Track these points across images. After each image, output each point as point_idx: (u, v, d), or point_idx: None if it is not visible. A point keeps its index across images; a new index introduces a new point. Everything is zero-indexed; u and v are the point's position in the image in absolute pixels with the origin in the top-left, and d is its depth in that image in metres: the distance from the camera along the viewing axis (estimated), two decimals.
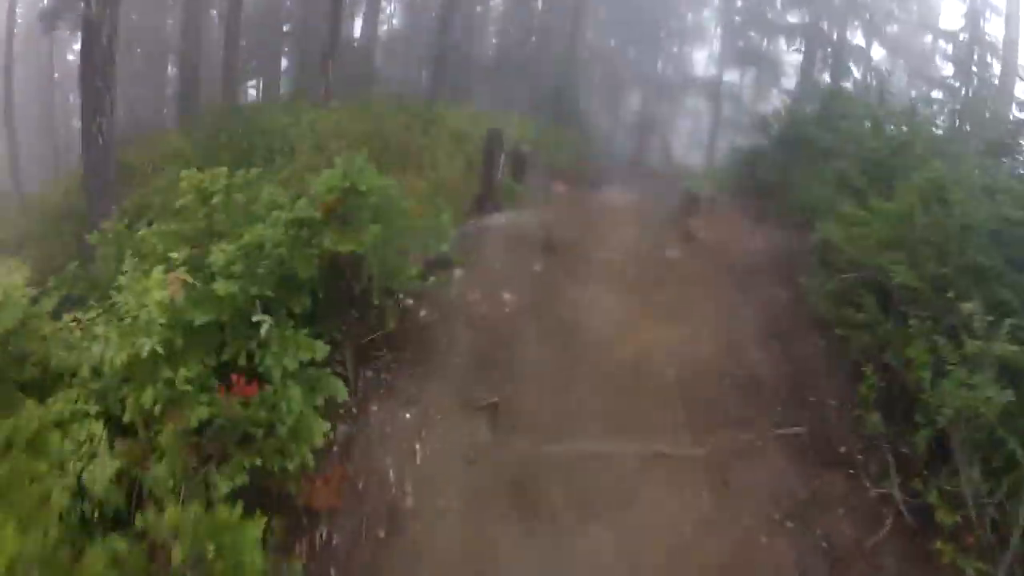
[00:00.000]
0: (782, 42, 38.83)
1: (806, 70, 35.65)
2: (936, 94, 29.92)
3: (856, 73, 34.28)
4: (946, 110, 27.23)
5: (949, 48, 32.13)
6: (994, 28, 30.76)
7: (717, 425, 11.22)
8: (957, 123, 25.39)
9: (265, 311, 9.56)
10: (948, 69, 32.72)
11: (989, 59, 29.43)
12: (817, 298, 13.23)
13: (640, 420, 11.57)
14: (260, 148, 19.58)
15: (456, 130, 23.32)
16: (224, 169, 11.18)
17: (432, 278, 13.51)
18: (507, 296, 14.12)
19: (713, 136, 39.25)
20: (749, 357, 13.03)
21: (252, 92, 41.86)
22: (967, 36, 30.54)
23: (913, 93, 33.58)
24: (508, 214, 17.39)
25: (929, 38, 37.37)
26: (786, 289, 15.09)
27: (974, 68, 28.82)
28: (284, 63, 42.18)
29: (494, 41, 41.46)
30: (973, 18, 30.53)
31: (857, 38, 35.85)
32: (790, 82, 38.26)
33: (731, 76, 41.63)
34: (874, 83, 32.29)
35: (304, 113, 23.34)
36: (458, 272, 14.56)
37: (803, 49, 36.43)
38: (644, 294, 15.20)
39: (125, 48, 38.25)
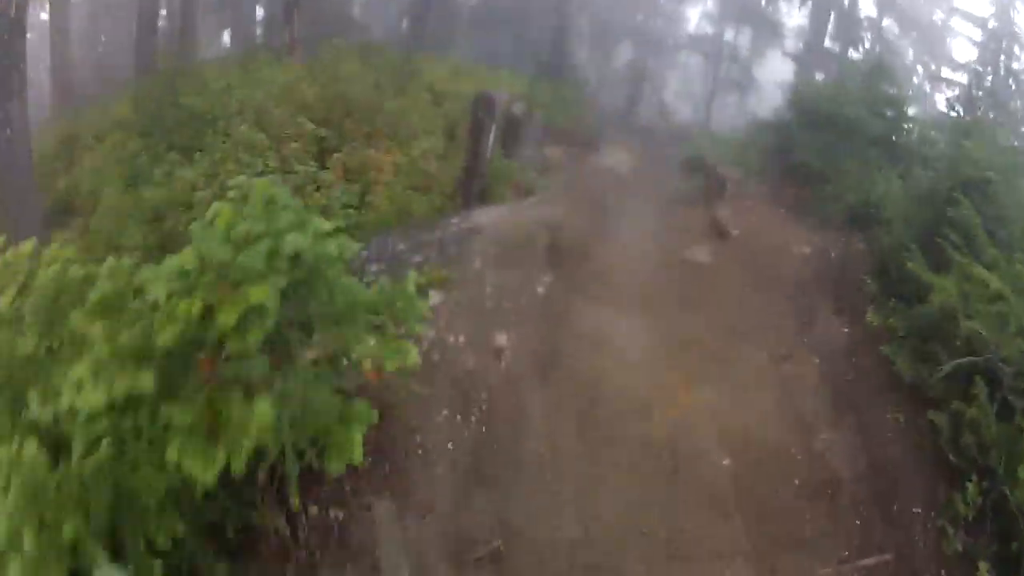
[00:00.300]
0: (782, 3, 32.82)
1: (814, 36, 29.82)
2: (952, 75, 24.56)
3: (865, 43, 28.48)
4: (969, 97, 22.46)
5: (976, 33, 26.10)
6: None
7: (787, 551, 7.69)
8: (980, 111, 20.67)
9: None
10: (961, 49, 27.17)
11: (1017, 51, 23.75)
12: (900, 358, 9.65)
13: (691, 547, 7.56)
14: (197, 118, 14.13)
15: (436, 88, 17.87)
16: (31, 242, 5.82)
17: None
18: (503, 339, 9.35)
19: (711, 96, 33.48)
20: (819, 440, 9.04)
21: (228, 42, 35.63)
22: (996, 23, 24.66)
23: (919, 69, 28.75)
24: (501, 208, 12.30)
25: (939, 14, 31.56)
26: (848, 321, 11.16)
27: (1002, 56, 23.08)
28: (260, 12, 35.62)
29: None
30: (1004, 5, 24.77)
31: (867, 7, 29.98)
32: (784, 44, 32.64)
33: (719, 32, 35.75)
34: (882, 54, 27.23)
35: (261, 70, 17.83)
36: (436, 297, 9.54)
37: (809, 14, 30.58)
38: (677, 325, 10.72)
39: None
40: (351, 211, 10.67)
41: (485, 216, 11.29)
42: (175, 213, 10.95)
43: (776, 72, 32.76)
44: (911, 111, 16.03)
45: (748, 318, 11.11)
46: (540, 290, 10.38)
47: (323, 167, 12.31)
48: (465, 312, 9.54)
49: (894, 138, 15.15)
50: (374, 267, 9.74)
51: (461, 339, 9.16)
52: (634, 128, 27.23)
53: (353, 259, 9.78)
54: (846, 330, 10.96)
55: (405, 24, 31.61)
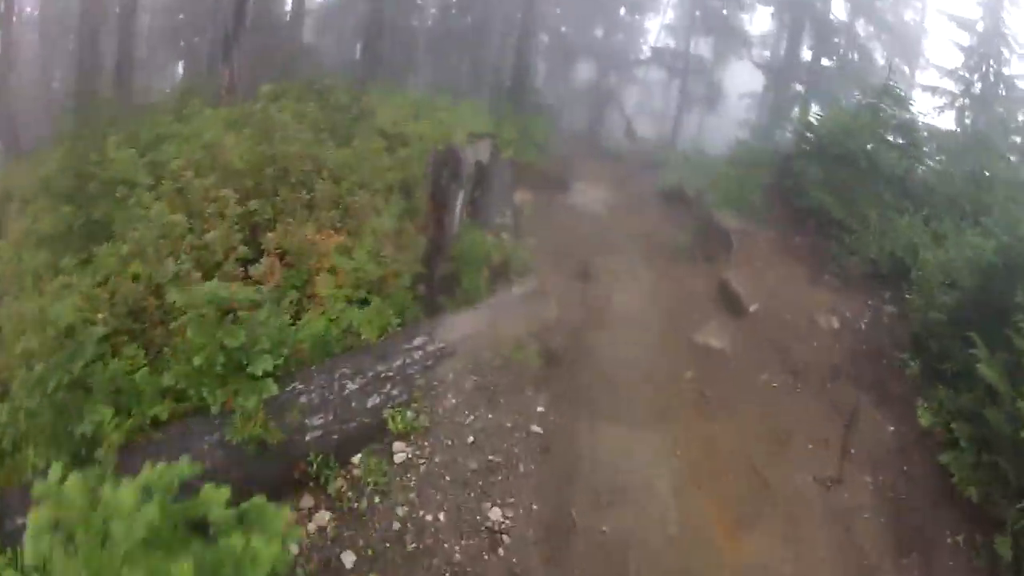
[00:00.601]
0: (745, 12, 29.96)
1: (790, 44, 26.99)
2: (938, 80, 21.94)
3: (840, 50, 25.78)
4: (956, 105, 20.55)
5: (963, 36, 23.07)
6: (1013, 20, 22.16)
7: None
8: (968, 121, 19.00)
9: None
10: (946, 53, 24.32)
11: (1006, 55, 21.07)
12: (961, 473, 7.73)
13: None
14: (114, 186, 11.28)
15: (391, 131, 14.71)
16: None
17: (358, 457, 6.05)
18: (496, 514, 6.44)
19: (678, 113, 30.63)
20: None
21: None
22: (985, 26, 21.86)
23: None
24: (476, 314, 9.09)
25: (911, 14, 28.77)
26: (893, 416, 8.83)
27: (991, 62, 20.51)
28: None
29: (433, 11, 31.76)
30: (992, 7, 21.81)
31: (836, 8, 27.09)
32: (752, 53, 29.80)
33: (683, 44, 32.78)
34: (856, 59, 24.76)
35: (193, 118, 14.79)
36: (403, 452, 6.72)
37: (780, 21, 27.91)
38: (704, 442, 8.21)
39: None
40: (287, 327, 7.72)
41: (457, 329, 8.37)
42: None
43: (741, 83, 30.20)
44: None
45: (782, 424, 8.67)
46: (535, 427, 7.62)
47: (257, 248, 9.44)
48: (443, 473, 6.80)
49: (908, 173, 12.67)
50: (318, 419, 6.88)
51: (441, 517, 6.41)
52: (602, 153, 24.38)
53: (288, 406, 6.98)
54: (892, 428, 8.73)
55: (358, 50, 28.52)
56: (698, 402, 8.79)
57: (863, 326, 10.32)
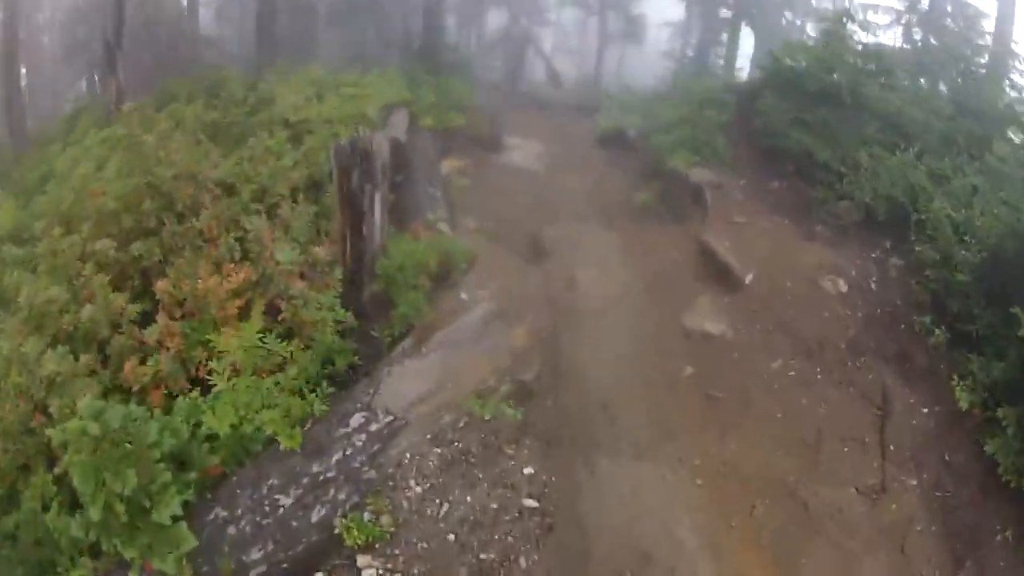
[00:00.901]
0: None
1: None
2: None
3: None
4: (903, 21, 18.47)
5: None
6: None
7: None
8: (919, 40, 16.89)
9: None
10: None
11: None
12: (1009, 462, 6.39)
13: None
14: None
15: (294, 116, 12.34)
16: None
17: None
18: None
19: (600, 52, 28.43)
20: None
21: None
22: None
23: None
24: (424, 362, 6.84)
25: None
26: (925, 395, 7.37)
27: None
28: None
29: None
30: None
31: None
32: None
33: None
34: None
35: (76, 145, 12.55)
36: (368, 568, 5.33)
37: None
38: (720, 465, 6.46)
39: None
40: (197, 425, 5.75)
41: (403, 389, 6.27)
42: None
43: (660, 13, 28.06)
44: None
45: (808, 422, 7.02)
46: (527, 502, 5.73)
47: (153, 300, 7.38)
48: None
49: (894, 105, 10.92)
50: (257, 552, 4.98)
51: None
52: (527, 102, 22.00)
53: (217, 545, 5.05)
54: (925, 410, 7.26)
55: (254, 31, 25.69)
56: (706, 408, 7.06)
57: (872, 285, 8.73)
